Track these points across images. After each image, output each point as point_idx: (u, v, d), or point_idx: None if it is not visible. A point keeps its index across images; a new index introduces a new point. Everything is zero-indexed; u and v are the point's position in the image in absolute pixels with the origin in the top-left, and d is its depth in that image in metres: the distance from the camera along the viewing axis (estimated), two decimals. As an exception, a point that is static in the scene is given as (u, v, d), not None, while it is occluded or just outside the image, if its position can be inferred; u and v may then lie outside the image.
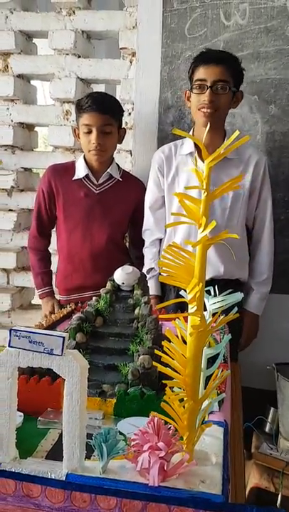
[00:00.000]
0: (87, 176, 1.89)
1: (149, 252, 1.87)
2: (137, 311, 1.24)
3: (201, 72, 1.63)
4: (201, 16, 1.94)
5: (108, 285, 1.30)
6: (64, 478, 0.69)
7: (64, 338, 0.69)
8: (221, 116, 1.69)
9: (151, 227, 1.87)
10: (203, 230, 0.68)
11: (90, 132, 1.78)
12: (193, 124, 1.83)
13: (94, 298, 1.29)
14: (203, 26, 1.94)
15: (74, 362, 0.68)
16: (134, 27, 2.08)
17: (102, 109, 1.76)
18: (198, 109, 1.65)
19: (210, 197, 0.69)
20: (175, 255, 0.71)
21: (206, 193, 0.69)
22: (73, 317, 1.25)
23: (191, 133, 1.78)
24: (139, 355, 1.07)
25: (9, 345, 0.70)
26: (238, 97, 1.71)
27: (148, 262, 1.87)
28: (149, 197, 1.85)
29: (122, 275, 1.29)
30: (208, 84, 1.61)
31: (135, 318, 1.22)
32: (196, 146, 1.71)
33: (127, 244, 2.10)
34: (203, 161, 0.70)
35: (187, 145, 1.75)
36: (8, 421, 0.71)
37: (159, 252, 1.87)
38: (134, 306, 1.25)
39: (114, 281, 1.30)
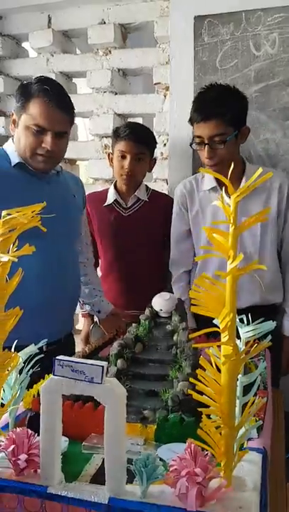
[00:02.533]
0: (116, 200, 1.99)
1: (177, 288, 1.90)
2: (175, 337, 1.27)
3: (197, 129, 1.64)
4: (231, 48, 2.00)
5: (147, 312, 1.34)
6: (106, 502, 0.72)
7: (103, 367, 0.73)
8: (228, 161, 1.63)
9: (177, 260, 1.91)
10: (232, 261, 0.72)
11: (124, 158, 1.89)
12: None
13: (133, 324, 1.33)
14: (234, 58, 2.00)
15: (113, 390, 0.72)
16: (167, 62, 2.17)
17: (138, 138, 1.88)
18: (204, 162, 1.68)
19: (238, 230, 0.73)
20: (207, 286, 0.74)
21: (233, 227, 0.72)
22: (114, 344, 1.29)
23: None
24: (178, 382, 1.10)
25: (54, 374, 0.75)
26: (244, 133, 1.70)
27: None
28: (174, 231, 1.90)
29: (160, 302, 1.33)
30: (205, 142, 1.62)
31: (174, 345, 1.25)
32: (216, 179, 1.75)
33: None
34: (227, 195, 0.74)
35: (208, 179, 1.79)
36: (53, 446, 0.76)
37: (189, 283, 1.90)
38: (173, 333, 1.28)
39: (152, 307, 1.34)
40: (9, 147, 1.58)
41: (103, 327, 1.91)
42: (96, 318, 2.01)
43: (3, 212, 0.86)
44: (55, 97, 1.46)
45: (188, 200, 1.84)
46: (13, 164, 1.54)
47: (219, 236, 0.75)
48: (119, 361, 1.21)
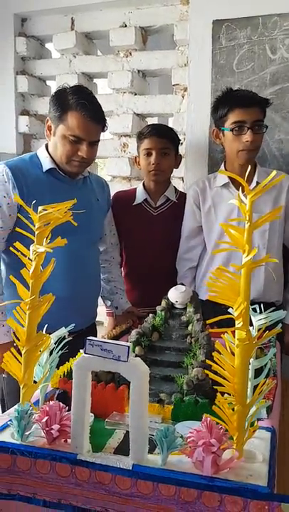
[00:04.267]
0: (145, 200, 2.05)
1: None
2: (190, 327, 1.35)
3: (238, 114, 1.74)
4: (248, 51, 2.07)
5: (163, 303, 1.42)
6: (130, 468, 0.81)
7: (129, 347, 0.82)
8: (257, 151, 1.80)
9: (185, 256, 1.99)
10: (247, 255, 0.80)
11: (149, 155, 1.96)
12: (224, 156, 1.94)
13: (150, 315, 1.42)
14: (250, 61, 2.06)
15: (137, 367, 0.81)
16: (185, 64, 2.24)
17: (161, 134, 1.96)
18: (240, 150, 1.76)
19: (253, 226, 0.81)
20: (223, 277, 0.83)
21: (249, 223, 0.80)
22: (132, 332, 1.38)
23: (223, 165, 1.92)
24: (193, 368, 1.18)
25: (85, 352, 0.84)
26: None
27: None
28: (185, 227, 1.98)
29: (175, 294, 1.41)
30: (248, 126, 1.72)
31: (188, 334, 1.33)
32: (229, 176, 1.84)
33: None
34: (239, 191, 0.82)
35: (220, 177, 1.88)
36: (83, 417, 0.85)
37: (194, 280, 1.98)
38: (187, 323, 1.37)
39: (168, 299, 1.42)
40: (42, 153, 1.71)
41: (117, 321, 2.01)
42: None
43: (40, 208, 0.95)
44: (91, 111, 1.60)
45: (201, 197, 1.92)
46: (44, 170, 1.67)
47: (235, 231, 0.83)
48: (137, 348, 1.30)
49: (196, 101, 2.17)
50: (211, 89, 2.13)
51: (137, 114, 2.39)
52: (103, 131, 1.71)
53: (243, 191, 0.85)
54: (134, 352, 1.28)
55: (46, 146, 1.71)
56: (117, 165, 2.43)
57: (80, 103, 1.58)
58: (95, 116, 1.61)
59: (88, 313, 1.85)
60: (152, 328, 1.36)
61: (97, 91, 2.60)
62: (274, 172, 0.81)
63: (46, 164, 1.67)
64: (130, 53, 2.36)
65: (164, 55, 2.31)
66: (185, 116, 2.24)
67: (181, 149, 2.28)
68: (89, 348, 0.83)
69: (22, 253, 0.96)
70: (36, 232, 0.95)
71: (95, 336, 1.92)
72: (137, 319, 1.85)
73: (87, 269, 1.77)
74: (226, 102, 1.79)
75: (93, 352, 0.83)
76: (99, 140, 1.70)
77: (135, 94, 2.39)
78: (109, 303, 2.00)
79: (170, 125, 2.30)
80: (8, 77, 2.54)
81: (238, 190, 1.82)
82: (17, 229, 1.01)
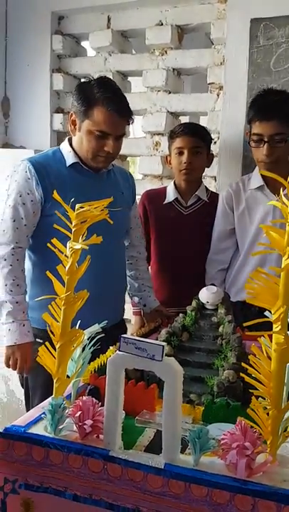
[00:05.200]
0: (176, 199, 2.04)
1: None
2: (221, 328, 1.34)
3: (257, 127, 1.71)
4: (286, 50, 2.03)
5: (193, 303, 1.41)
6: (162, 467, 0.81)
7: (163, 346, 0.82)
8: (283, 160, 1.73)
9: (215, 258, 1.97)
10: (288, 257, 0.79)
11: (181, 154, 1.95)
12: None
13: (180, 315, 1.41)
14: (288, 60, 2.03)
15: (172, 366, 0.81)
16: (221, 63, 2.22)
17: (193, 132, 1.94)
18: (259, 161, 1.74)
19: (294, 229, 0.80)
20: (262, 280, 0.82)
21: (290, 226, 0.79)
22: (162, 331, 1.37)
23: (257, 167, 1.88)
24: (224, 370, 1.17)
25: (119, 350, 0.84)
26: None
27: None
28: (217, 229, 1.96)
29: (206, 294, 1.40)
30: (265, 139, 1.69)
31: (219, 336, 1.32)
32: (263, 179, 1.81)
33: None
34: (274, 194, 0.81)
35: (255, 179, 1.85)
36: (116, 414, 0.86)
37: (224, 281, 1.96)
38: (218, 324, 1.35)
39: (199, 299, 1.42)
40: (65, 148, 1.69)
41: (145, 319, 2.01)
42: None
43: (77, 206, 0.96)
44: (117, 105, 1.57)
45: (235, 199, 1.90)
46: (68, 165, 1.66)
47: (275, 233, 0.82)
48: (166, 347, 1.29)
49: (232, 100, 2.15)
50: (247, 89, 2.11)
51: (171, 113, 2.39)
52: (129, 124, 1.68)
53: (278, 195, 0.83)
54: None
55: (69, 140, 1.69)
56: (149, 163, 2.43)
57: (106, 97, 1.55)
58: (121, 111, 1.59)
59: (115, 309, 1.84)
60: (182, 328, 1.36)
61: (130, 89, 2.61)
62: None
63: (70, 159, 1.66)
64: (166, 52, 2.36)
65: (200, 54, 2.30)
66: (220, 114, 2.22)
67: (215, 148, 2.26)
68: (123, 346, 0.84)
69: (59, 250, 0.97)
70: (73, 230, 0.96)
71: (125, 333, 1.92)
72: (165, 319, 1.84)
73: (112, 264, 1.75)
74: (250, 109, 1.77)
75: (127, 350, 0.83)
76: (125, 133, 1.68)
77: (169, 93, 2.38)
78: (137, 299, 1.99)
79: (202, 124, 2.29)
80: (44, 75, 2.57)
81: (273, 193, 1.80)
82: (55, 226, 1.02)
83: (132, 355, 0.84)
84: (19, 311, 1.58)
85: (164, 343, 0.83)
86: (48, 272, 1.00)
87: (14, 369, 1.62)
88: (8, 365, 1.61)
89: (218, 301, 1.40)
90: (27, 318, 1.60)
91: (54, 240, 0.99)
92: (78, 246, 0.94)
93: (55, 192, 1.02)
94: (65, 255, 0.97)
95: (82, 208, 0.96)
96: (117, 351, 0.85)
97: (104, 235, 1.65)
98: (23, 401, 1.86)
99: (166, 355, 1.27)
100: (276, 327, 0.81)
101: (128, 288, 1.96)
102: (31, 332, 1.59)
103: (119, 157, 2.56)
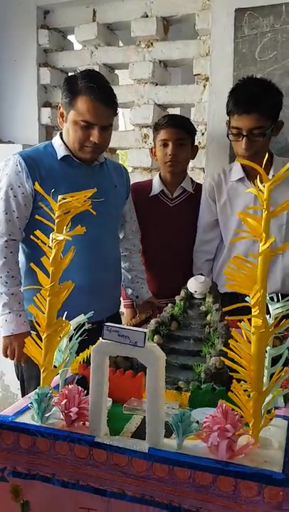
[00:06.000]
0: (162, 191, 2.05)
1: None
2: (208, 317, 1.36)
3: (236, 121, 1.69)
4: (270, 40, 2.03)
5: (182, 293, 1.43)
6: (146, 451, 0.83)
7: (145, 333, 0.84)
8: (261, 152, 1.69)
9: (201, 249, 1.99)
10: (264, 243, 0.80)
11: (166, 146, 1.96)
12: None
13: (169, 304, 1.43)
14: (273, 50, 2.03)
15: (154, 352, 0.83)
16: (207, 54, 2.22)
17: (177, 124, 1.95)
18: (238, 154, 1.73)
19: (270, 215, 0.81)
20: (240, 266, 0.83)
21: (266, 212, 0.80)
22: (151, 321, 1.39)
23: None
24: (211, 357, 1.18)
25: (103, 338, 0.86)
26: (278, 126, 1.76)
27: None
28: (201, 221, 1.97)
29: (195, 284, 1.42)
30: (244, 133, 1.68)
31: (207, 324, 1.34)
32: (244, 170, 1.82)
33: None
34: (254, 184, 0.82)
35: (236, 171, 1.86)
36: (101, 401, 0.87)
37: (211, 271, 1.97)
38: (206, 313, 1.37)
39: (187, 289, 1.43)
40: (56, 141, 1.71)
41: (137, 310, 2.03)
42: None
43: (59, 197, 0.97)
44: (100, 94, 1.57)
45: (216, 191, 1.91)
46: (58, 158, 1.67)
47: (252, 220, 0.83)
48: (155, 337, 1.31)
49: (218, 91, 2.15)
50: (232, 79, 2.10)
51: (158, 105, 2.39)
52: (115, 115, 1.69)
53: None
54: (152, 341, 1.30)
55: (61, 134, 1.71)
56: (138, 156, 2.43)
57: (89, 87, 1.56)
58: (105, 100, 1.59)
59: (110, 301, 1.86)
60: (171, 318, 1.37)
61: (118, 82, 2.61)
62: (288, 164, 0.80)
63: (60, 152, 1.67)
64: (152, 43, 2.36)
65: (186, 45, 2.29)
66: (206, 106, 2.22)
67: (202, 140, 2.27)
68: (106, 334, 0.85)
69: (42, 241, 0.99)
70: (56, 221, 0.97)
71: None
72: (156, 310, 1.86)
73: (106, 256, 1.77)
74: (229, 100, 1.75)
75: (111, 337, 0.85)
76: (111, 125, 1.68)
77: (156, 85, 2.38)
78: (130, 291, 2.01)
79: (192, 115, 2.29)
80: (31, 69, 2.56)
81: (253, 184, 1.79)
82: (37, 217, 1.03)
83: (115, 342, 0.85)
84: (15, 302, 1.61)
85: (145, 330, 0.85)
86: (31, 264, 1.01)
87: (12, 359, 1.66)
88: (6, 355, 1.65)
89: (206, 291, 1.42)
90: (23, 309, 1.62)
91: (37, 232, 1.00)
92: (61, 237, 0.95)
93: (36, 183, 1.03)
94: (49, 246, 0.98)
95: (64, 200, 0.97)
96: (101, 339, 0.86)
97: (98, 228, 1.69)
98: (18, 395, 1.88)
99: (157, 344, 1.30)
100: (254, 311, 0.82)
101: (122, 280, 1.98)
102: (27, 322, 1.62)
103: (108, 150, 2.57)
